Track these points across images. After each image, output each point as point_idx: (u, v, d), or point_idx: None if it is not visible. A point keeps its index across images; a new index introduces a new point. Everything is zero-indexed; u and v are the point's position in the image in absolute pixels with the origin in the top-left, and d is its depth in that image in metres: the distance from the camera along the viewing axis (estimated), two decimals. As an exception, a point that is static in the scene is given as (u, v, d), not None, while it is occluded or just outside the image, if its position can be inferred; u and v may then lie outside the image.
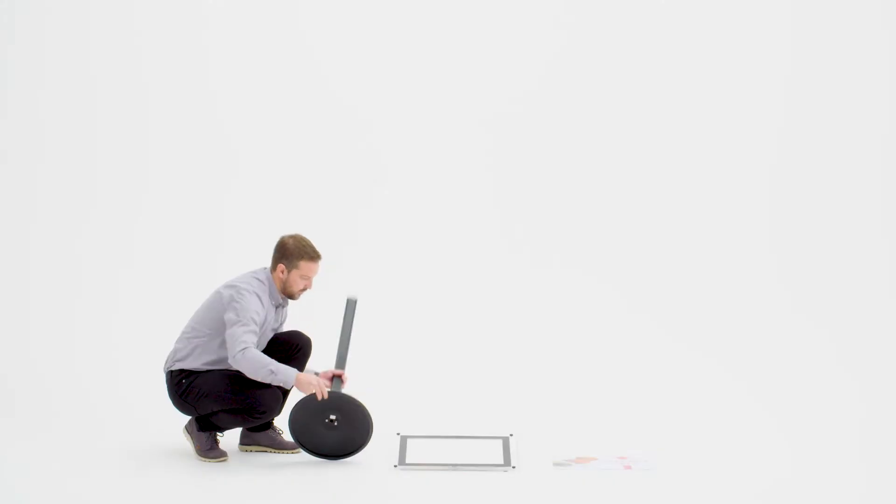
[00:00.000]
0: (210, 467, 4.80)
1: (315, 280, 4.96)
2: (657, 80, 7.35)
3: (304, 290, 4.95)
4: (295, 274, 4.91)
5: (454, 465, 4.76)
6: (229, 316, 4.79)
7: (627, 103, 7.33)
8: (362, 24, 7.25)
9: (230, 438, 5.06)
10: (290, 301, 5.02)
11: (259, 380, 4.72)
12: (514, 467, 4.75)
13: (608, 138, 7.32)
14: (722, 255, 7.21)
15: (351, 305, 4.97)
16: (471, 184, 7.24)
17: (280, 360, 4.85)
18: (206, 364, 4.88)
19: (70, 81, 7.20)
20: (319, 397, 4.73)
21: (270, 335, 4.98)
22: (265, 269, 4.97)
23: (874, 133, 7.30)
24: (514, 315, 6.92)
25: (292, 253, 4.89)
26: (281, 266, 4.91)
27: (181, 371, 4.91)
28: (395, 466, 4.75)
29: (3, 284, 6.96)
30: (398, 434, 5.03)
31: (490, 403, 5.86)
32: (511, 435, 5.04)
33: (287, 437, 5.01)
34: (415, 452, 4.87)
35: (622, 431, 5.35)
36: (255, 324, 4.78)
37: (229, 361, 4.77)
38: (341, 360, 4.89)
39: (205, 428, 4.91)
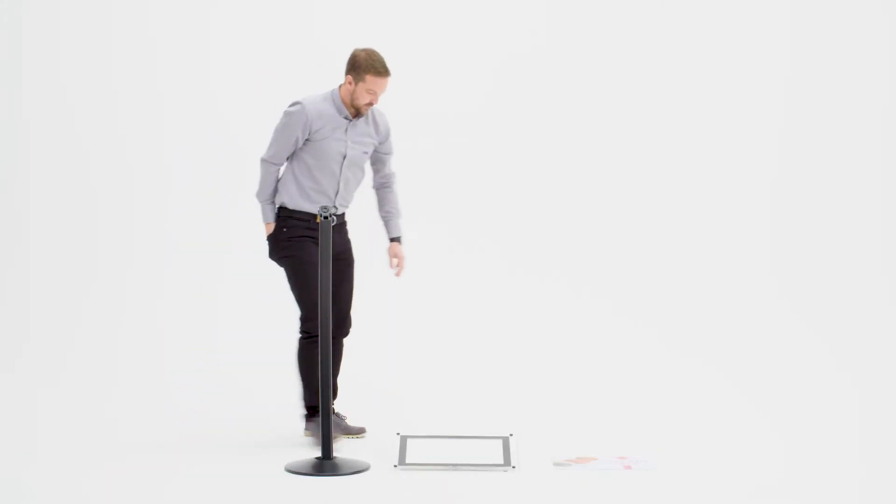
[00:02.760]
0: (208, 457, 4.82)
1: (382, 97, 4.97)
2: (652, 83, 7.37)
3: (370, 104, 4.95)
4: (361, 87, 4.91)
5: (454, 465, 4.76)
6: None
7: (622, 106, 7.35)
8: (369, 22, 7.28)
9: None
10: (371, 126, 5.04)
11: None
12: (514, 467, 4.75)
13: (605, 142, 7.34)
14: (722, 258, 7.23)
15: None
16: (472, 182, 7.25)
17: None
18: (290, 195, 5.01)
19: (76, 80, 7.22)
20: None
21: (347, 150, 4.99)
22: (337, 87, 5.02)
23: (870, 140, 7.32)
24: (514, 315, 6.93)
25: (360, 65, 4.90)
26: (349, 77, 4.93)
27: (281, 209, 5.07)
28: (395, 466, 4.75)
29: (5, 285, 6.97)
30: (398, 434, 5.03)
31: (490, 403, 5.85)
32: (511, 435, 5.04)
33: (351, 421, 5.08)
34: (415, 452, 4.86)
35: (622, 431, 5.35)
36: (287, 139, 4.94)
37: None
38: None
39: (312, 415, 5.04)
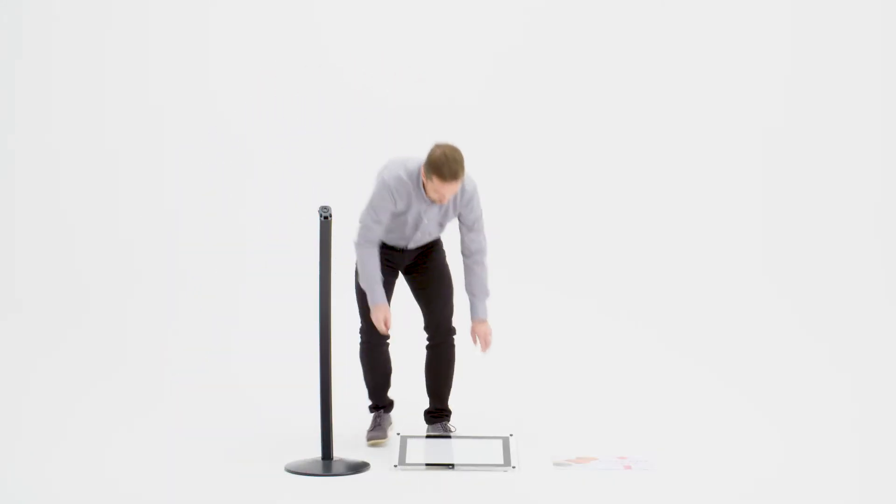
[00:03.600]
0: (208, 457, 4.83)
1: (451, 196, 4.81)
2: (648, 84, 7.39)
3: (441, 200, 4.84)
4: (429, 185, 4.79)
5: (454, 465, 4.76)
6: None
7: (621, 106, 7.37)
8: (372, 21, 7.28)
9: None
10: (458, 199, 4.93)
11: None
12: (514, 467, 4.75)
13: (602, 143, 7.36)
14: (721, 259, 7.24)
15: None
16: (475, 180, 7.24)
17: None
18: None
19: (79, 79, 7.23)
20: (378, 326, 4.85)
21: (422, 219, 4.90)
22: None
23: (867, 139, 7.33)
24: (513, 315, 6.91)
25: (430, 165, 4.74)
26: (423, 170, 4.81)
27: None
28: (395, 466, 4.75)
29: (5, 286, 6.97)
30: (398, 434, 5.03)
31: (490, 404, 5.85)
32: (511, 435, 5.04)
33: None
34: (415, 452, 4.87)
35: (622, 431, 5.34)
36: (378, 214, 4.82)
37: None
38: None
39: (374, 408, 5.14)
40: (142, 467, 4.76)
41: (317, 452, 4.83)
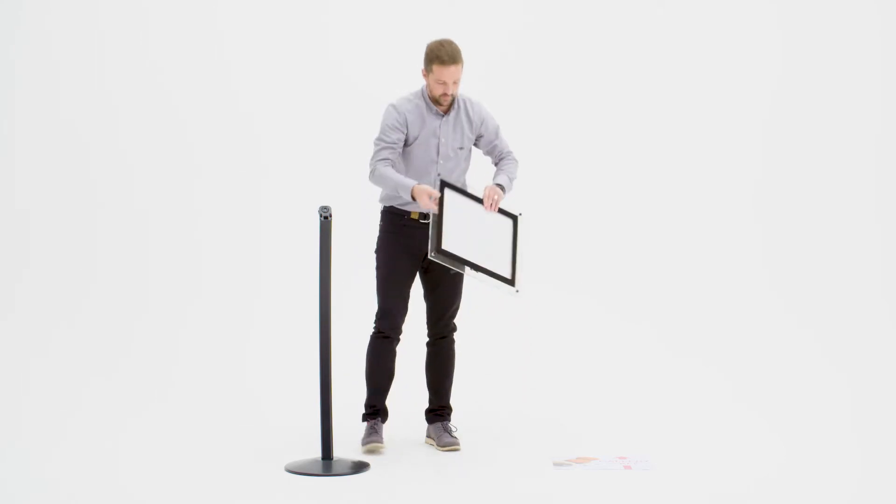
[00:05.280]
0: (208, 457, 4.84)
1: (458, 83, 4.81)
2: (647, 84, 7.39)
3: (445, 95, 4.82)
4: (432, 79, 4.81)
5: (470, 267, 4.75)
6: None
7: (621, 106, 7.36)
8: (374, 19, 7.29)
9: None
10: (464, 120, 4.92)
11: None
12: (518, 291, 4.84)
13: (601, 143, 7.36)
14: (720, 259, 7.24)
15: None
16: (476, 177, 7.24)
17: None
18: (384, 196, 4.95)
19: (78, 79, 7.23)
20: (427, 207, 4.69)
21: (440, 147, 4.88)
22: None
23: (864, 139, 7.33)
24: (513, 315, 6.92)
25: (427, 56, 4.80)
26: (423, 70, 4.84)
27: (381, 216, 4.99)
28: (431, 254, 4.66)
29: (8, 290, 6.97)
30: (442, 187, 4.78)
31: (490, 404, 5.85)
32: (520, 214, 4.96)
33: (455, 434, 5.08)
34: (450, 239, 4.71)
35: (622, 431, 5.35)
36: (387, 136, 4.81)
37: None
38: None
39: (370, 415, 5.02)
40: (142, 467, 4.76)
41: (317, 452, 4.83)
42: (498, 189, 4.92)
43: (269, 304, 7.00)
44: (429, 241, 4.74)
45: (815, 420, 5.56)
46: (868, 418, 5.61)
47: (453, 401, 5.22)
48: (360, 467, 4.74)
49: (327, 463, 4.74)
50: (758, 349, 6.69)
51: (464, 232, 4.78)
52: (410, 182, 4.77)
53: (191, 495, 4.42)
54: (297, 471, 4.68)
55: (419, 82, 4.98)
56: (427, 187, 4.74)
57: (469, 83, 7.30)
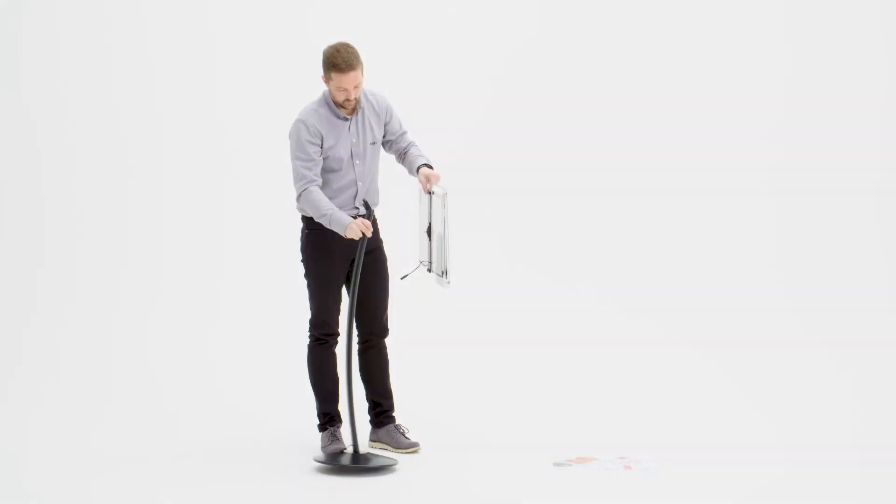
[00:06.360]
0: (208, 457, 4.84)
1: (362, 86, 4.73)
2: (648, 73, 7.38)
3: (348, 100, 4.74)
4: (332, 85, 4.71)
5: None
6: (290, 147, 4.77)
7: (624, 105, 7.35)
8: (370, 20, 7.29)
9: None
10: (370, 113, 4.85)
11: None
12: (449, 283, 4.79)
13: (604, 141, 7.35)
14: (723, 258, 7.23)
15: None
16: (470, 180, 7.23)
17: None
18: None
19: (77, 78, 7.23)
20: (360, 235, 4.67)
21: (352, 147, 4.81)
22: None
23: (869, 139, 7.32)
24: (513, 314, 6.92)
25: (324, 62, 4.69)
26: (323, 77, 4.74)
27: (307, 219, 4.86)
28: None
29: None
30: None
31: (490, 404, 5.85)
32: (446, 193, 4.79)
33: (410, 436, 5.00)
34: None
35: (622, 431, 5.34)
36: (305, 154, 4.69)
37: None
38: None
39: (325, 425, 4.92)
40: (143, 466, 4.76)
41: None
42: (429, 168, 4.86)
43: (269, 304, 6.98)
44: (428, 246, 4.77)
45: (817, 420, 5.55)
46: (871, 419, 5.59)
47: (469, 402, 5.18)
48: (387, 462, 4.76)
49: (357, 456, 4.77)
50: (759, 349, 6.68)
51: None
52: (346, 219, 4.67)
53: (190, 495, 4.42)
54: (324, 462, 4.73)
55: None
56: (358, 223, 4.67)
57: (471, 82, 7.35)
